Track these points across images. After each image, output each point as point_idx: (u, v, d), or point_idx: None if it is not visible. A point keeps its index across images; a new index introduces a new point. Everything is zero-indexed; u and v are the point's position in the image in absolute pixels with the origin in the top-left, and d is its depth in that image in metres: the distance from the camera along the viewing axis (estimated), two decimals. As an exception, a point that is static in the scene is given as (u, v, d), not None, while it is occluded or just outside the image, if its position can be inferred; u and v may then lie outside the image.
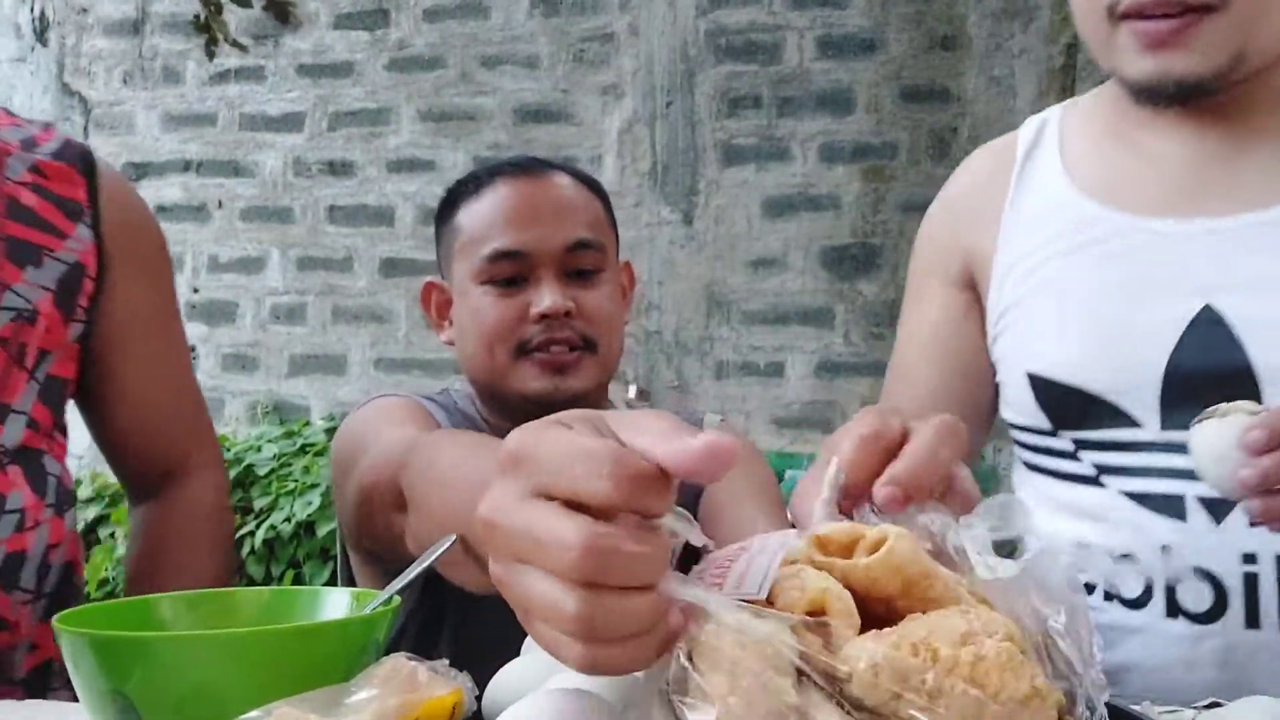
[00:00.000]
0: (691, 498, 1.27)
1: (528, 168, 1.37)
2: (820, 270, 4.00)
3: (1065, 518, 1.10)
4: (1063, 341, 1.09)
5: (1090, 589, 1.07)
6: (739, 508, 1.22)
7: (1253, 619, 0.98)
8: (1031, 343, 1.12)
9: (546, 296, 1.29)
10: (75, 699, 0.70)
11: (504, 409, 1.35)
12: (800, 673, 0.52)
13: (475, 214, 1.35)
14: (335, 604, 0.80)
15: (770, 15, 4.02)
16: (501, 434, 1.37)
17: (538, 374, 1.30)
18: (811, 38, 4.00)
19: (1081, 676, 0.56)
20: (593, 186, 1.40)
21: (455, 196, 1.38)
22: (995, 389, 1.20)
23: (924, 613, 0.56)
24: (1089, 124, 1.17)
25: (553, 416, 0.57)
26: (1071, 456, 1.10)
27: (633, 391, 4.01)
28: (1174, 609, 1.02)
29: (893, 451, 0.65)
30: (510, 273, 1.31)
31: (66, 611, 0.73)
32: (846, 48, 3.98)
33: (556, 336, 1.30)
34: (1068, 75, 3.23)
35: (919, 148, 3.95)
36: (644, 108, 4.12)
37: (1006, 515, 0.60)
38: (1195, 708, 0.80)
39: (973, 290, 1.20)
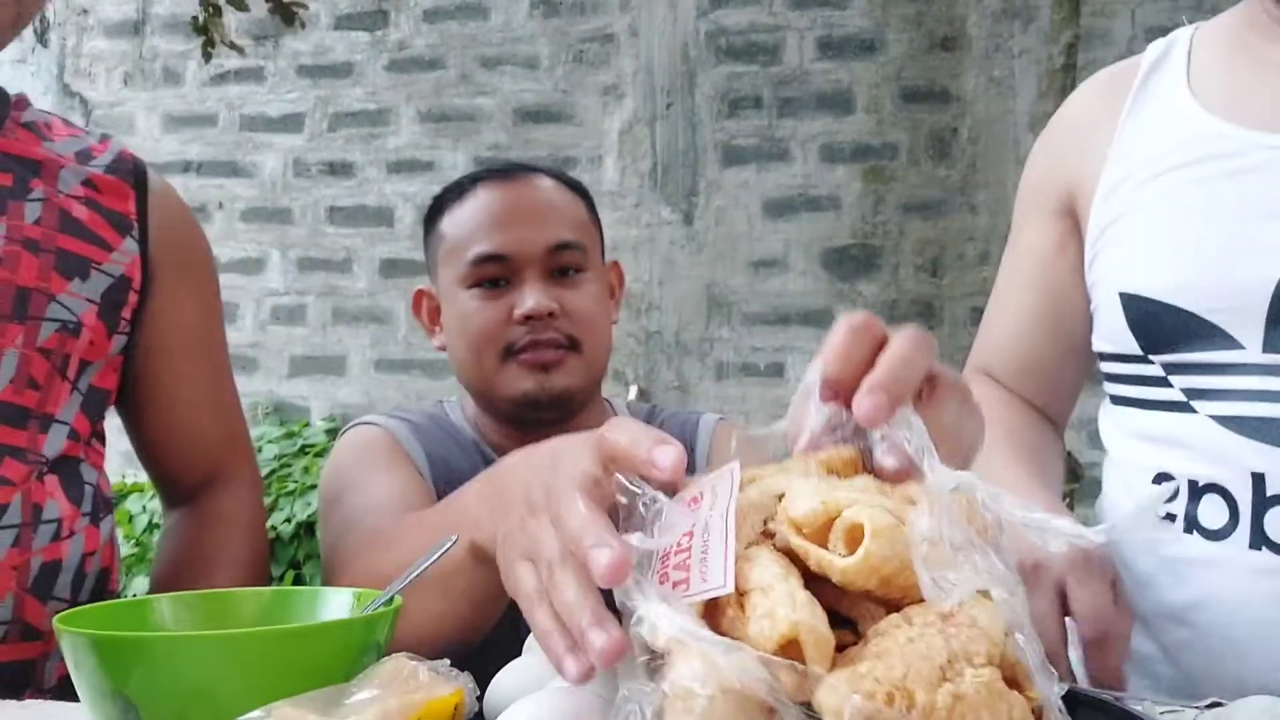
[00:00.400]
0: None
1: (509, 172, 1.40)
2: (820, 271, 4.00)
3: (1148, 449, 1.07)
4: (1163, 259, 1.05)
5: (1171, 518, 1.04)
6: None
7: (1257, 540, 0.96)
8: (1129, 260, 1.08)
9: (530, 297, 1.31)
10: None
11: (496, 413, 1.37)
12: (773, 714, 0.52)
13: (458, 220, 1.37)
14: (336, 604, 0.80)
15: (770, 16, 4.02)
16: (492, 445, 1.38)
17: (524, 374, 1.32)
18: (812, 38, 4.00)
19: (1047, 695, 0.55)
20: (574, 187, 1.42)
21: (439, 204, 1.41)
22: (1088, 324, 1.16)
23: (904, 600, 0.56)
24: (1220, 40, 1.12)
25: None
26: (1160, 383, 1.06)
27: (633, 392, 4.01)
28: (1259, 540, 0.98)
29: (880, 343, 0.66)
30: (494, 275, 1.33)
31: (67, 612, 0.73)
32: (847, 48, 3.98)
33: (541, 337, 1.31)
34: (1068, 75, 3.23)
35: (919, 148, 3.95)
36: (644, 108, 4.12)
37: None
38: (1196, 707, 0.80)
39: (1072, 219, 1.17)
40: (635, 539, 0.58)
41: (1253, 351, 0.99)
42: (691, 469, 1.34)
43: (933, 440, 0.63)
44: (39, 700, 0.86)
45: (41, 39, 4.56)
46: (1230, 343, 1.01)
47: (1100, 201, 1.12)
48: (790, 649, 0.53)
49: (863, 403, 0.63)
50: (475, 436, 1.39)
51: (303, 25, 3.78)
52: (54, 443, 1.09)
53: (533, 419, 1.34)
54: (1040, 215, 1.21)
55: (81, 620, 0.72)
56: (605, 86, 4.15)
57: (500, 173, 1.40)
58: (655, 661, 0.54)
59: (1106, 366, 1.14)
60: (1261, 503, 0.98)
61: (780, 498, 0.60)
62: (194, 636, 0.73)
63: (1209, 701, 0.81)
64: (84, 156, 1.18)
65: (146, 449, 1.26)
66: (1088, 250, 1.14)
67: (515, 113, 4.21)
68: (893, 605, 0.57)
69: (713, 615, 0.56)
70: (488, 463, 1.36)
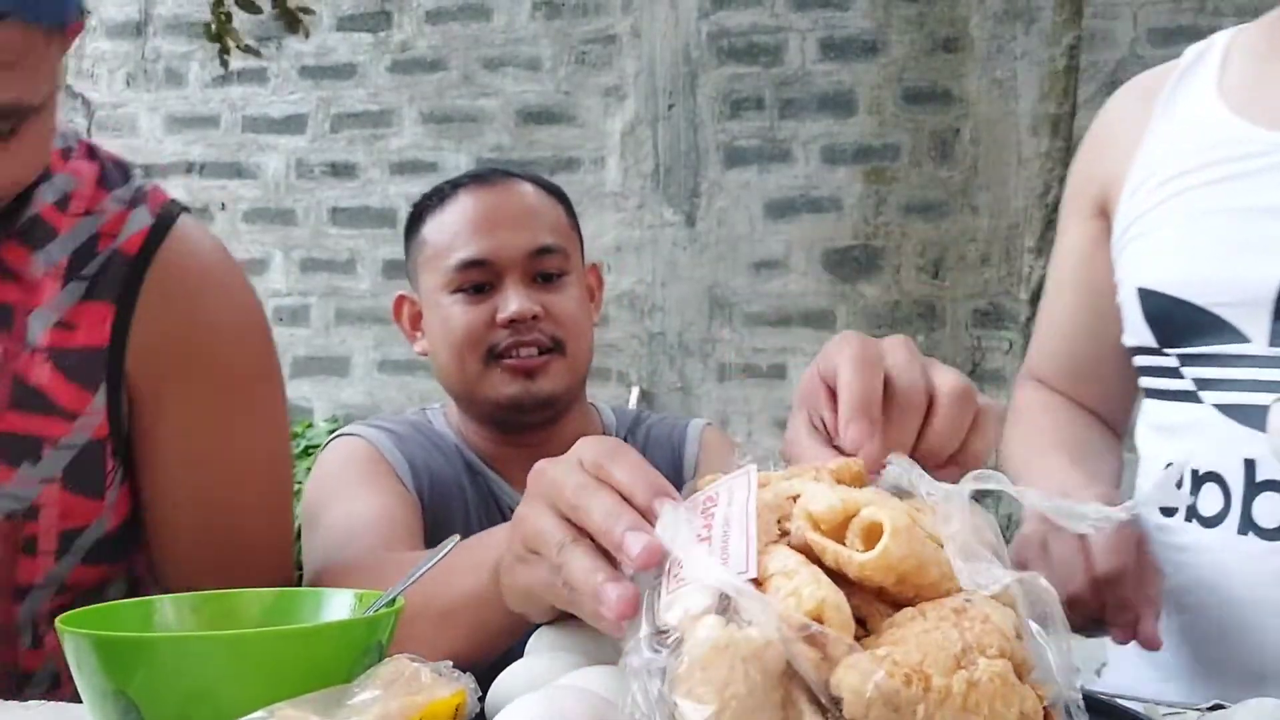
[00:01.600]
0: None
1: (488, 178, 1.42)
2: (822, 272, 4.00)
3: (1161, 438, 1.10)
4: (1177, 255, 1.08)
5: (1170, 513, 1.07)
6: None
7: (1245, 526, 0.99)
8: (1147, 257, 1.11)
9: (513, 301, 1.32)
10: None
11: (480, 417, 1.38)
12: (791, 688, 0.52)
13: (440, 226, 1.38)
14: (338, 605, 0.80)
15: (772, 17, 4.02)
16: (475, 450, 1.38)
17: (507, 379, 1.33)
18: (813, 39, 4.00)
19: (1060, 685, 0.56)
20: (554, 192, 1.44)
21: (420, 210, 1.42)
22: None
23: (916, 600, 0.56)
24: (1254, 43, 1.14)
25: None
26: (1174, 374, 1.09)
27: (635, 395, 4.01)
28: (1246, 525, 1.01)
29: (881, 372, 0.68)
30: (477, 280, 1.34)
31: (69, 613, 0.73)
32: (848, 49, 3.98)
33: (524, 340, 1.33)
34: (1070, 77, 3.23)
35: (921, 149, 3.95)
36: (646, 109, 4.12)
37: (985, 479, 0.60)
38: (1199, 709, 0.80)
39: (1107, 219, 1.19)
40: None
41: (1259, 344, 1.02)
42: (680, 477, 1.34)
43: (937, 449, 0.65)
44: (40, 700, 0.86)
45: (44, 40, 4.57)
46: (1237, 336, 1.03)
47: (1125, 200, 1.14)
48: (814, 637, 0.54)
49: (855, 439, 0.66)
50: (458, 442, 1.40)
51: (306, 34, 3.79)
52: (37, 601, 0.98)
53: (517, 423, 1.35)
54: (1080, 216, 1.23)
55: (83, 620, 0.72)
56: (607, 88, 4.15)
57: (480, 178, 1.42)
58: (664, 637, 0.54)
59: (1135, 360, 1.16)
60: (1251, 489, 1.01)
61: (794, 499, 0.61)
62: (196, 637, 0.73)
63: (1211, 703, 0.81)
64: (81, 257, 0.98)
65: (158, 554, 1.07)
66: (1114, 248, 1.16)
67: (518, 114, 4.22)
68: (904, 605, 0.57)
69: None
70: (470, 468, 1.38)
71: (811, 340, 3.94)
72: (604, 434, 1.40)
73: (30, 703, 0.85)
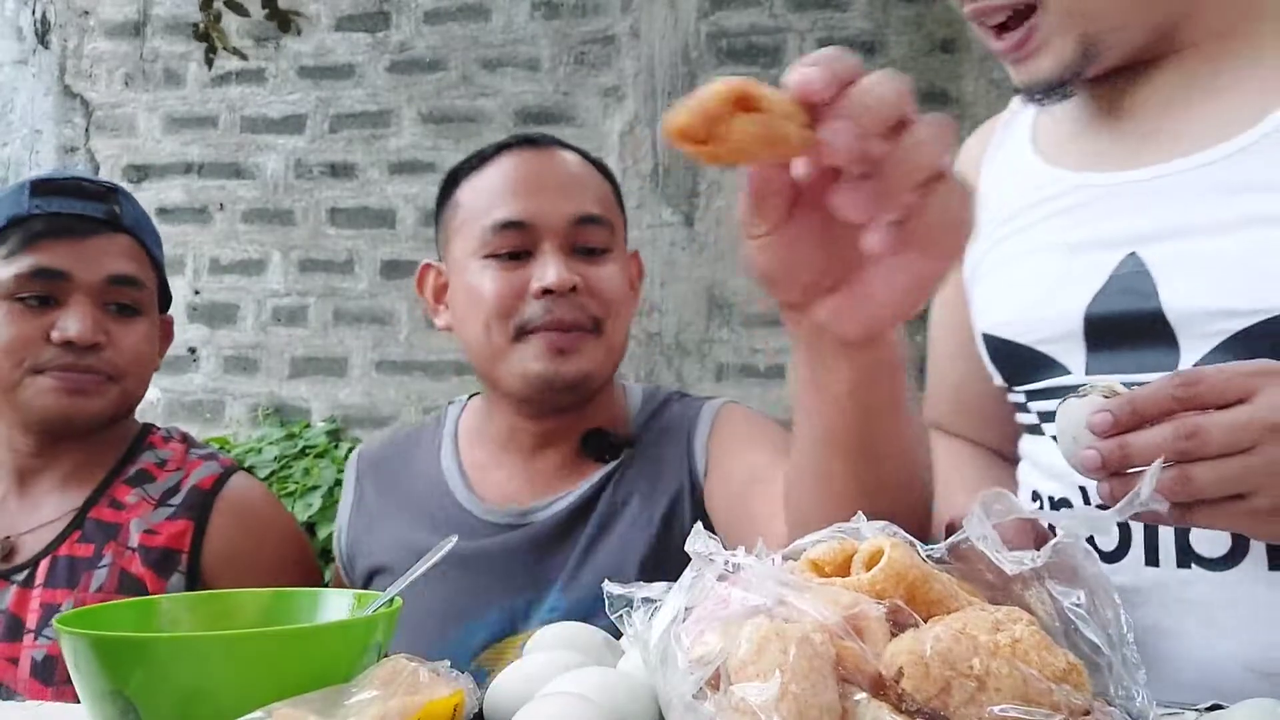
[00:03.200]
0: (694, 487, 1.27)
1: (535, 141, 1.32)
2: (821, 272, 4.00)
3: (1028, 470, 1.13)
4: (1007, 299, 1.11)
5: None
6: (742, 456, 1.22)
7: (1152, 558, 0.98)
8: (986, 301, 1.15)
9: (551, 270, 1.21)
10: None
11: (504, 397, 1.29)
12: (842, 673, 0.54)
13: (477, 187, 1.28)
14: (336, 605, 0.80)
15: (771, 18, 4.02)
16: (473, 446, 1.35)
17: (536, 354, 1.22)
18: (812, 40, 4.00)
19: (1110, 658, 0.57)
20: (603, 169, 1.36)
21: (456, 174, 1.33)
22: None
23: (928, 615, 0.58)
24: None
25: None
26: (1024, 409, 1.13)
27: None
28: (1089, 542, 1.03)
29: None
30: (513, 246, 1.23)
31: (68, 613, 0.73)
32: (847, 50, 3.98)
33: (562, 317, 1.21)
34: (1068, 78, 3.23)
35: (920, 150, 3.95)
36: (645, 109, 4.12)
37: (1003, 506, 0.61)
38: (1197, 709, 0.80)
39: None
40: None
41: (1077, 374, 1.05)
42: (689, 461, 1.31)
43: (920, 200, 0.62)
44: (39, 701, 0.86)
45: (42, 40, 4.56)
46: (1060, 369, 1.06)
47: (969, 256, 1.17)
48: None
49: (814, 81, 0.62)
50: (451, 445, 1.35)
51: (299, 32, 3.79)
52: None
53: (540, 404, 1.26)
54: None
55: (82, 621, 0.72)
56: (606, 88, 4.15)
57: (527, 140, 1.32)
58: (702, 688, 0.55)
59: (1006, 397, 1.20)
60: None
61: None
62: (194, 637, 0.73)
63: (1210, 704, 0.81)
64: (167, 495, 1.37)
65: None
66: (967, 293, 1.20)
67: (516, 114, 4.21)
68: None
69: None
70: (439, 481, 1.33)
71: (810, 341, 3.94)
72: (626, 419, 1.34)
73: (29, 702, 0.85)
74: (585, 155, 1.35)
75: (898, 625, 0.57)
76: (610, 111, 4.14)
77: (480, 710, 0.69)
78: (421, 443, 1.40)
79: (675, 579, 0.63)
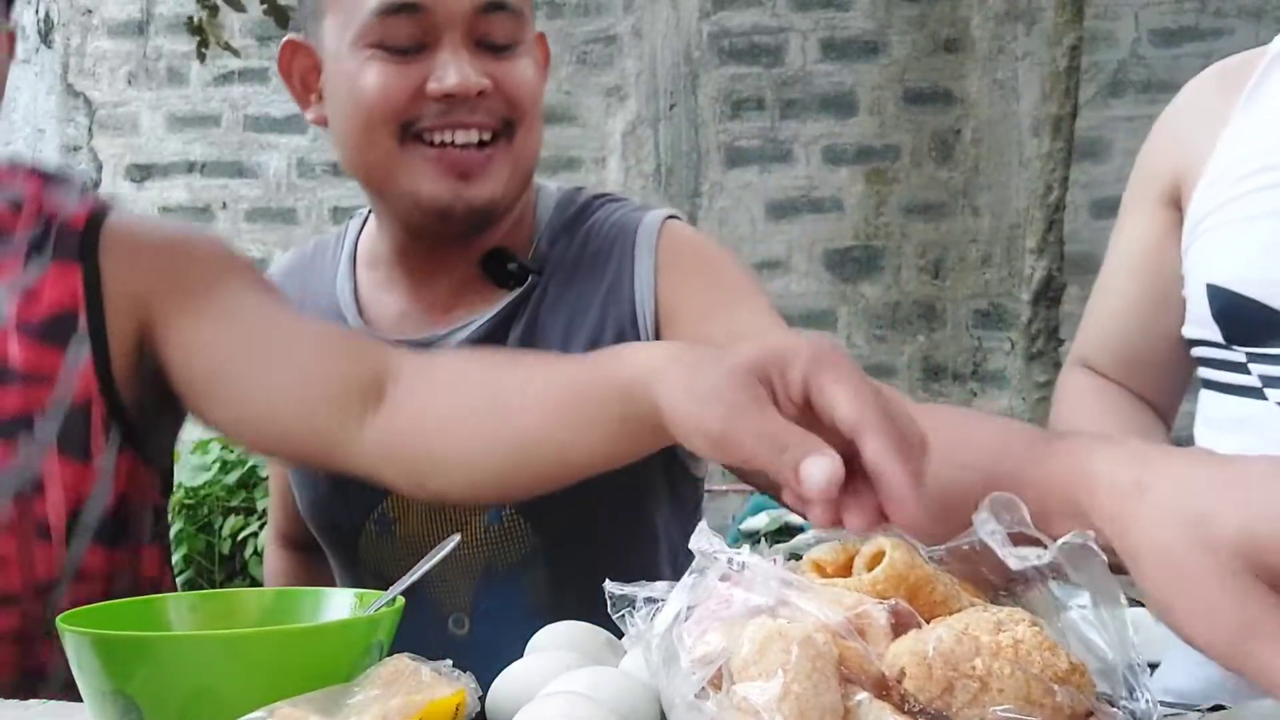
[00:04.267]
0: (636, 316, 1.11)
1: None
2: (823, 272, 4.00)
3: (1224, 433, 1.08)
4: (1249, 254, 1.05)
5: None
6: (710, 323, 1.04)
7: None
8: (1221, 253, 1.08)
9: (453, 70, 1.02)
10: None
11: (394, 212, 1.11)
12: (845, 673, 0.54)
13: None
14: (338, 605, 0.80)
15: (774, 17, 4.02)
16: (369, 269, 1.16)
17: (434, 174, 1.04)
18: (815, 40, 4.00)
19: (1113, 659, 0.57)
20: None
21: None
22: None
23: (930, 615, 0.58)
24: None
25: None
26: (1240, 369, 1.07)
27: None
28: None
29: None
30: (404, 36, 1.03)
31: (69, 611, 0.73)
32: (849, 50, 3.98)
33: (464, 119, 1.03)
34: (1071, 78, 3.22)
35: (922, 150, 3.95)
36: (647, 110, 4.12)
37: (1011, 510, 0.61)
38: (1199, 709, 0.80)
39: (1177, 209, 1.17)
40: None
41: None
42: (628, 283, 1.11)
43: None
44: (40, 700, 0.86)
45: (45, 39, 4.56)
46: None
47: (1200, 192, 1.11)
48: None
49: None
50: (349, 264, 1.19)
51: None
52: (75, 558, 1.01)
53: (439, 232, 1.08)
54: (1146, 204, 1.20)
55: (84, 619, 0.72)
56: (608, 88, 4.15)
57: None
58: (704, 687, 0.55)
59: (1195, 352, 1.14)
60: None
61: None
62: (196, 636, 0.73)
63: (1211, 705, 0.81)
64: (37, 240, 1.01)
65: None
66: (1184, 240, 1.13)
67: (518, 114, 4.22)
68: None
69: None
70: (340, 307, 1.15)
71: (812, 341, 3.94)
72: (532, 238, 1.16)
73: (30, 702, 0.85)
74: None
75: (900, 626, 0.57)
76: (612, 111, 4.14)
77: (482, 709, 0.69)
78: (324, 259, 1.24)
79: None
